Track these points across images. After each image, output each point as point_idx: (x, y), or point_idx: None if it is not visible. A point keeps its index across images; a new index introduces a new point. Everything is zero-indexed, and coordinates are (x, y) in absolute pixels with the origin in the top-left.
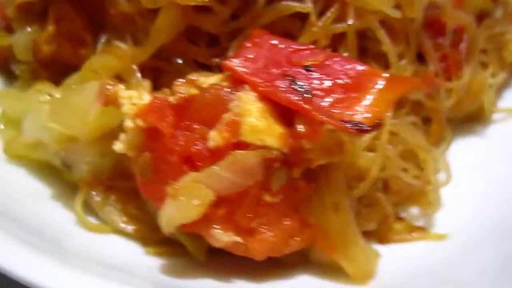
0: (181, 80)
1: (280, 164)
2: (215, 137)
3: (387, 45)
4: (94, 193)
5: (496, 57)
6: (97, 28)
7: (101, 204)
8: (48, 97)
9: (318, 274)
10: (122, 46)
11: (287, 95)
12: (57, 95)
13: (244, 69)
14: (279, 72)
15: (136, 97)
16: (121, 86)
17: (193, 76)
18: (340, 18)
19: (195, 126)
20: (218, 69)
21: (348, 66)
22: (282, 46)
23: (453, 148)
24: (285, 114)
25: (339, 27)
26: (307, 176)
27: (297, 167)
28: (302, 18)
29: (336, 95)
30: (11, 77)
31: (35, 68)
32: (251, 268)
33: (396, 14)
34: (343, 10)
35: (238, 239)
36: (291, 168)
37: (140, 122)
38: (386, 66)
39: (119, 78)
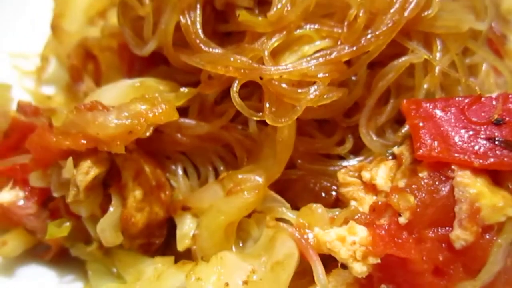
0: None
1: None
2: (461, 236)
3: (497, 61)
4: None
5: None
6: (166, 163)
7: None
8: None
9: None
10: (252, 177)
11: (505, 159)
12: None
13: (444, 152)
14: (474, 138)
15: (349, 232)
16: (317, 229)
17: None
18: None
19: (428, 233)
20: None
21: None
22: (451, 108)
23: None
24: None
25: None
26: None
27: None
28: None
29: None
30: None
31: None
32: None
33: (483, 26)
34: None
35: None
36: None
37: (373, 260)
38: None
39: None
